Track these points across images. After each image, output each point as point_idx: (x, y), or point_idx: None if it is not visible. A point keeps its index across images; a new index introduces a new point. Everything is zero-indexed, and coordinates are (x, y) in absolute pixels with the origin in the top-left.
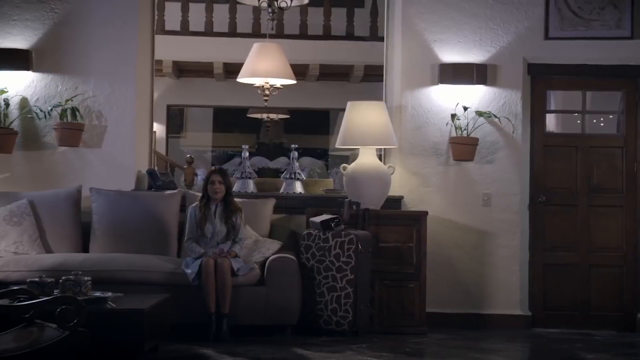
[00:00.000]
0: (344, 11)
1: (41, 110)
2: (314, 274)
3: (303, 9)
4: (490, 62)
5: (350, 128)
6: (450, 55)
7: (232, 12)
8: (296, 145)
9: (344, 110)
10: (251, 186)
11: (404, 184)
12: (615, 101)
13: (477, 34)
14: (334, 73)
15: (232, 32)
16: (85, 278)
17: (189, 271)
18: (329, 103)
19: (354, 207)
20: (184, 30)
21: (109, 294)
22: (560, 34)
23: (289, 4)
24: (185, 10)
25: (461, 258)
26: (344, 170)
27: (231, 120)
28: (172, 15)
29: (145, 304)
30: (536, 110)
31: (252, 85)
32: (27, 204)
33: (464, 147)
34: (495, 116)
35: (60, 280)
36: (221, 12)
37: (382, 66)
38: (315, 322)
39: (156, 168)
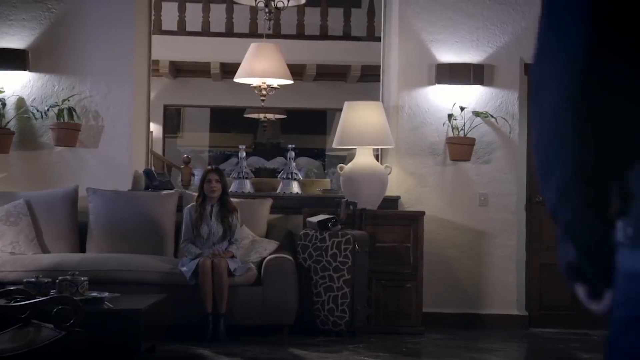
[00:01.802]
0: (340, 11)
1: (38, 110)
2: (311, 274)
3: (300, 9)
4: (487, 62)
5: (347, 128)
6: (447, 55)
7: (229, 12)
8: (293, 146)
9: (341, 110)
10: (248, 186)
11: (400, 184)
12: None
13: (474, 34)
14: (331, 73)
15: (229, 32)
16: (82, 278)
17: (184, 269)
18: (326, 103)
19: (351, 207)
20: (181, 30)
21: (106, 294)
22: None
23: (285, 4)
24: (182, 10)
25: (458, 258)
26: (341, 170)
27: (228, 120)
28: (169, 15)
29: (142, 304)
30: None
31: (249, 85)
32: (23, 204)
33: (460, 147)
34: (492, 116)
35: (57, 281)
36: (218, 12)
37: (379, 66)
38: (312, 322)
39: (153, 168)
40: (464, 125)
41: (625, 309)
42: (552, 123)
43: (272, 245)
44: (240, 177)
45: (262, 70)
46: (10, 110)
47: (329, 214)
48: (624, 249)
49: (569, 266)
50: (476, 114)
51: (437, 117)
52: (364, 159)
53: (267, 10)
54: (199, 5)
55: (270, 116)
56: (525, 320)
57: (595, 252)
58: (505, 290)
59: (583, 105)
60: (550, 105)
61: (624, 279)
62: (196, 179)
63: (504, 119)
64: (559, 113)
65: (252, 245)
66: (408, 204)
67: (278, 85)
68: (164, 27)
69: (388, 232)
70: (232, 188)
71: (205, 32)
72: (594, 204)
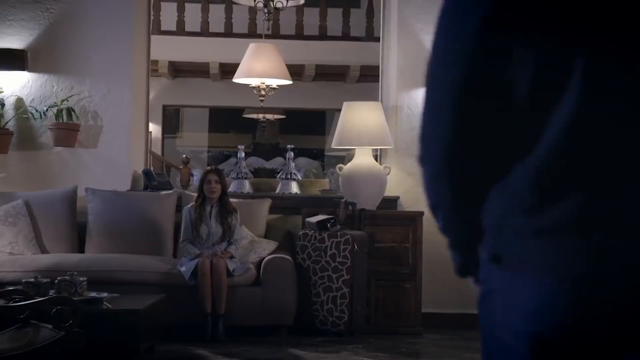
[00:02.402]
0: (339, 11)
1: (37, 111)
2: (310, 275)
3: (299, 9)
4: None
5: (346, 128)
6: None
7: (228, 12)
8: (292, 146)
9: (340, 110)
10: (247, 186)
11: (400, 184)
12: None
13: None
14: (329, 73)
15: (228, 33)
16: (81, 278)
17: (183, 269)
18: (325, 103)
19: (350, 207)
20: (180, 30)
21: (105, 294)
22: None
23: (284, 5)
24: (181, 10)
25: None
26: (340, 170)
27: (227, 120)
28: (168, 16)
29: (141, 304)
30: None
31: (248, 85)
32: (22, 204)
33: None
34: None
35: (56, 281)
36: (217, 13)
37: (378, 66)
38: (311, 322)
39: (152, 168)
40: None
41: (483, 288)
42: (429, 185)
43: (271, 245)
44: (239, 178)
45: (261, 70)
46: (9, 111)
47: (328, 214)
48: (483, 265)
49: (457, 267)
50: None
51: None
52: (363, 159)
53: (266, 10)
54: (198, 6)
55: (269, 116)
56: None
57: (473, 256)
58: None
59: (446, 188)
60: (428, 173)
61: (482, 270)
62: (195, 179)
63: None
64: (433, 180)
65: (251, 245)
66: (407, 204)
67: (277, 85)
68: (163, 27)
69: (387, 232)
70: (231, 188)
71: (204, 32)
72: (469, 235)
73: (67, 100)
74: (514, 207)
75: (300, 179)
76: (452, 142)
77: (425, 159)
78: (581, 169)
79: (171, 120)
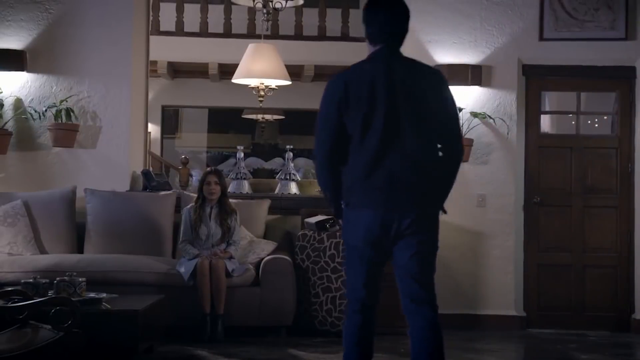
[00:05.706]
0: (338, 12)
1: (35, 111)
2: (309, 275)
3: (298, 10)
4: (484, 63)
5: None
6: (445, 56)
7: (227, 12)
8: (291, 146)
9: None
10: (246, 187)
11: None
12: (610, 102)
13: (471, 34)
14: (329, 74)
15: (227, 33)
16: (80, 279)
17: (182, 270)
18: None
19: None
20: (179, 30)
21: (104, 294)
22: (554, 35)
23: (283, 5)
24: (180, 10)
25: (456, 259)
26: None
27: (226, 121)
28: (167, 16)
29: (139, 304)
30: (531, 111)
31: (247, 85)
32: (21, 205)
33: None
34: (490, 117)
35: (55, 281)
36: (216, 13)
37: None
38: (310, 322)
39: (151, 169)
40: (462, 126)
41: (343, 222)
42: (318, 171)
43: (270, 246)
44: (238, 178)
45: (260, 71)
46: (8, 111)
47: (327, 215)
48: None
49: (334, 213)
50: (474, 114)
51: None
52: None
53: (265, 11)
54: (197, 6)
55: (268, 117)
56: (523, 320)
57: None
58: (502, 290)
59: (326, 171)
60: (317, 165)
61: (344, 215)
62: (194, 180)
63: (501, 119)
64: (320, 168)
65: (250, 245)
66: None
67: (276, 86)
68: (162, 28)
69: None
70: (230, 189)
71: (204, 32)
72: (336, 195)
73: (66, 101)
74: (355, 179)
75: (299, 179)
76: (328, 149)
77: (317, 156)
78: (383, 163)
79: (170, 120)
